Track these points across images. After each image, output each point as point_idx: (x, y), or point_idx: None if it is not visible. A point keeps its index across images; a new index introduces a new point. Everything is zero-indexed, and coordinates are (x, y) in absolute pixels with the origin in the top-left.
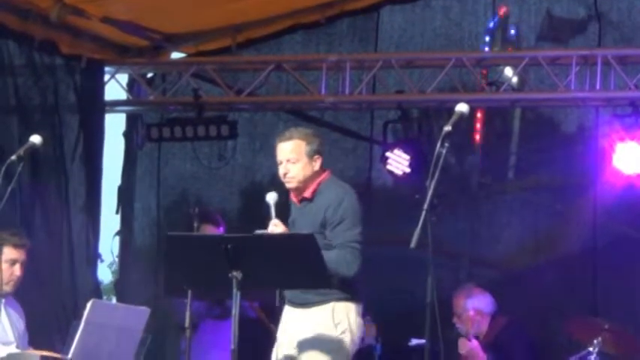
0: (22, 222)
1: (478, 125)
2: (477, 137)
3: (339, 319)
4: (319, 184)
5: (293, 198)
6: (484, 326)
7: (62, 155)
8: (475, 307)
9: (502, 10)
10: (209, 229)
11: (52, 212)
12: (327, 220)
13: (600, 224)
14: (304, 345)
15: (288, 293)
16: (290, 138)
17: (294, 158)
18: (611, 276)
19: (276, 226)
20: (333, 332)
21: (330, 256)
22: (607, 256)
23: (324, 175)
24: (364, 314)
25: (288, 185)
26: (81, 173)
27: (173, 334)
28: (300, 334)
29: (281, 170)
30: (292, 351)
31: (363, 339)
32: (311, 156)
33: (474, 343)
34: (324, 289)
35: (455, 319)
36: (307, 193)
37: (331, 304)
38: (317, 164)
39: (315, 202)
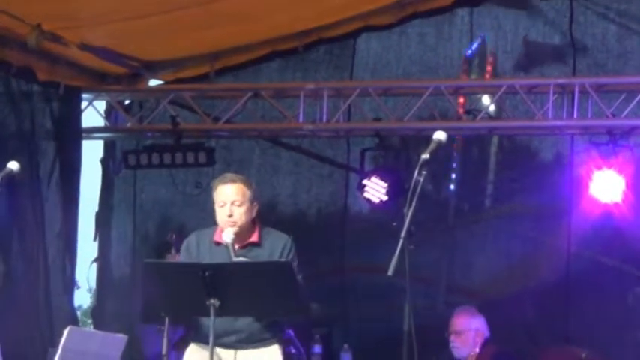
0: None
1: (455, 154)
2: (454, 165)
3: None
4: (260, 229)
5: (231, 249)
6: (477, 349)
7: (38, 181)
8: (477, 327)
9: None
10: None
11: (28, 238)
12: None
13: (574, 253)
14: None
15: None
16: (234, 181)
17: (239, 201)
18: (584, 304)
19: None
20: None
21: None
22: (580, 284)
23: (259, 222)
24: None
25: (232, 232)
26: (57, 199)
27: None
28: None
29: (224, 212)
30: None
31: None
32: (252, 202)
33: None
34: (300, 315)
35: (452, 337)
36: (254, 238)
37: (277, 345)
38: (255, 211)
39: (264, 246)
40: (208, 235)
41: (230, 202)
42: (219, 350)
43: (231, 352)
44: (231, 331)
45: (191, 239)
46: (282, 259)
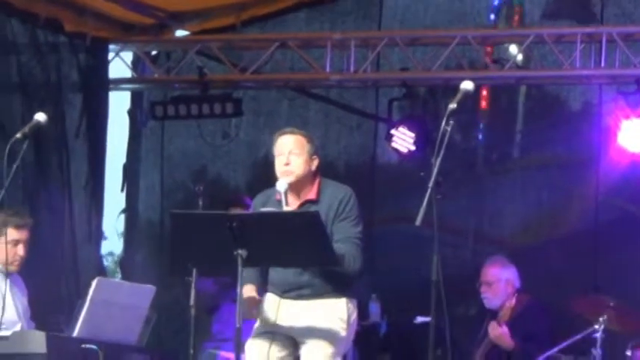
0: (25, 200)
1: (483, 103)
2: (482, 115)
3: (349, 314)
4: (319, 184)
5: (284, 199)
6: (509, 300)
7: (64, 133)
8: (508, 278)
9: None
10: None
11: (54, 191)
12: (334, 214)
13: (602, 201)
14: (311, 335)
15: (288, 284)
16: (293, 133)
17: (297, 151)
18: (613, 253)
19: None
20: (342, 326)
21: (338, 247)
22: (609, 232)
23: (320, 177)
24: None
25: (286, 181)
26: (84, 151)
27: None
28: (309, 325)
29: (281, 161)
30: (293, 342)
31: None
32: (310, 155)
33: (505, 329)
34: (329, 268)
35: (483, 288)
36: (312, 195)
37: (344, 299)
38: (314, 164)
39: (322, 202)
40: (273, 194)
41: (288, 151)
42: (286, 301)
43: (297, 302)
44: (296, 285)
45: (257, 201)
46: (310, 210)
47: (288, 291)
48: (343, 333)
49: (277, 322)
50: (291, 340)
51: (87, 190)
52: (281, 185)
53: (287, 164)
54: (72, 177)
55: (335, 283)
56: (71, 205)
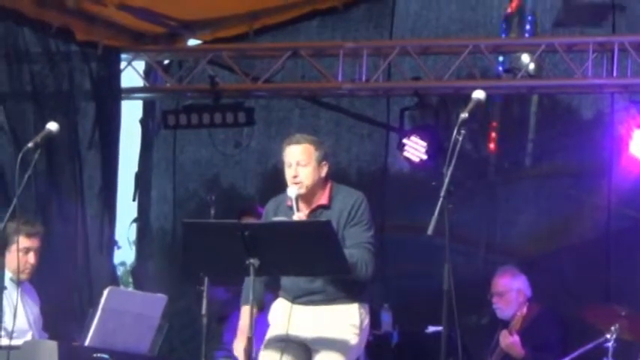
0: (38, 209)
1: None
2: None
3: (361, 320)
4: (330, 189)
5: (295, 205)
6: (520, 309)
7: (77, 142)
8: (519, 288)
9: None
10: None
11: (67, 199)
12: (346, 220)
13: (615, 210)
14: (323, 342)
15: (300, 290)
16: (300, 142)
17: (304, 161)
18: (625, 262)
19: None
20: (355, 332)
21: (350, 253)
22: (621, 241)
23: (331, 182)
24: (382, 302)
25: (296, 189)
26: (97, 160)
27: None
28: (321, 332)
29: (290, 172)
30: (305, 349)
31: None
32: (319, 162)
33: (516, 338)
34: (341, 276)
35: (495, 299)
36: (323, 200)
37: (356, 304)
38: (324, 171)
39: (333, 207)
40: (284, 200)
41: (295, 162)
42: (298, 307)
43: (309, 308)
44: (308, 291)
45: (269, 207)
46: (322, 219)
47: (300, 297)
48: (355, 340)
49: (289, 330)
50: (303, 347)
51: (99, 199)
52: (292, 191)
53: (295, 176)
54: (85, 186)
55: (347, 288)
56: (84, 214)
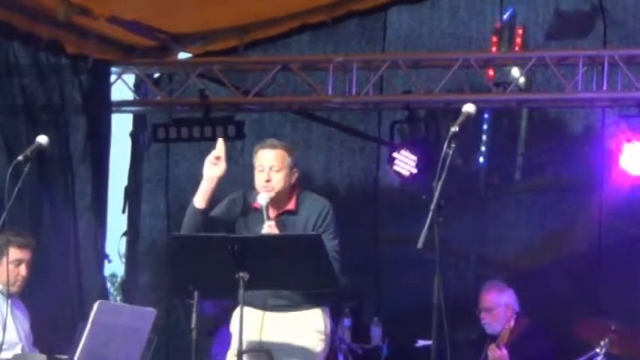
0: (30, 222)
1: (485, 126)
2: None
3: (325, 325)
4: (298, 195)
5: (265, 213)
6: (509, 324)
7: (68, 155)
8: (507, 302)
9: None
10: None
11: (59, 212)
12: (312, 226)
13: (606, 224)
14: (290, 351)
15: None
16: (274, 147)
17: (277, 166)
18: (616, 276)
19: (270, 228)
20: (321, 338)
21: None
22: (612, 256)
23: (298, 188)
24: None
25: (267, 196)
26: (88, 173)
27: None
28: (289, 339)
29: (262, 177)
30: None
31: None
32: (291, 168)
33: (504, 352)
34: (330, 289)
35: (483, 315)
36: (290, 205)
37: (319, 310)
38: (294, 177)
39: (300, 213)
40: (250, 198)
41: (268, 167)
42: (269, 314)
43: (278, 315)
44: (274, 296)
45: (239, 196)
46: (313, 233)
47: (269, 304)
48: (320, 347)
49: (262, 337)
50: (267, 355)
51: (91, 212)
52: (263, 199)
53: (268, 181)
54: (76, 199)
55: (311, 294)
56: (75, 227)
